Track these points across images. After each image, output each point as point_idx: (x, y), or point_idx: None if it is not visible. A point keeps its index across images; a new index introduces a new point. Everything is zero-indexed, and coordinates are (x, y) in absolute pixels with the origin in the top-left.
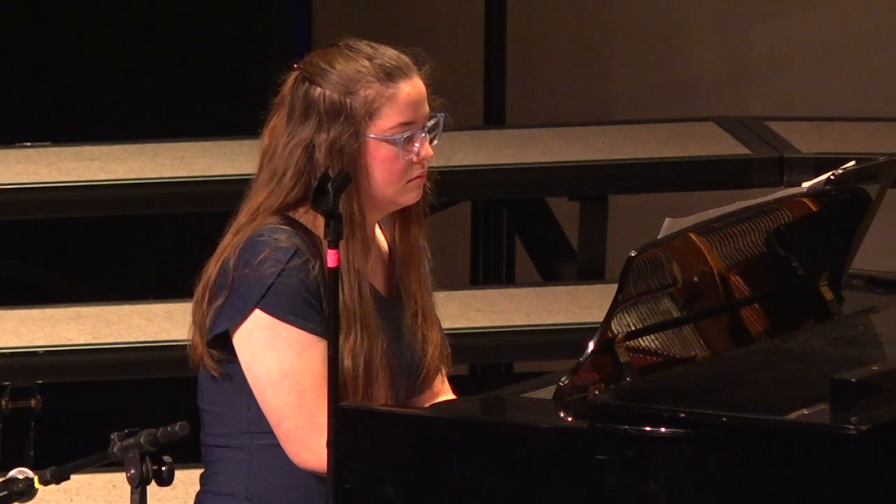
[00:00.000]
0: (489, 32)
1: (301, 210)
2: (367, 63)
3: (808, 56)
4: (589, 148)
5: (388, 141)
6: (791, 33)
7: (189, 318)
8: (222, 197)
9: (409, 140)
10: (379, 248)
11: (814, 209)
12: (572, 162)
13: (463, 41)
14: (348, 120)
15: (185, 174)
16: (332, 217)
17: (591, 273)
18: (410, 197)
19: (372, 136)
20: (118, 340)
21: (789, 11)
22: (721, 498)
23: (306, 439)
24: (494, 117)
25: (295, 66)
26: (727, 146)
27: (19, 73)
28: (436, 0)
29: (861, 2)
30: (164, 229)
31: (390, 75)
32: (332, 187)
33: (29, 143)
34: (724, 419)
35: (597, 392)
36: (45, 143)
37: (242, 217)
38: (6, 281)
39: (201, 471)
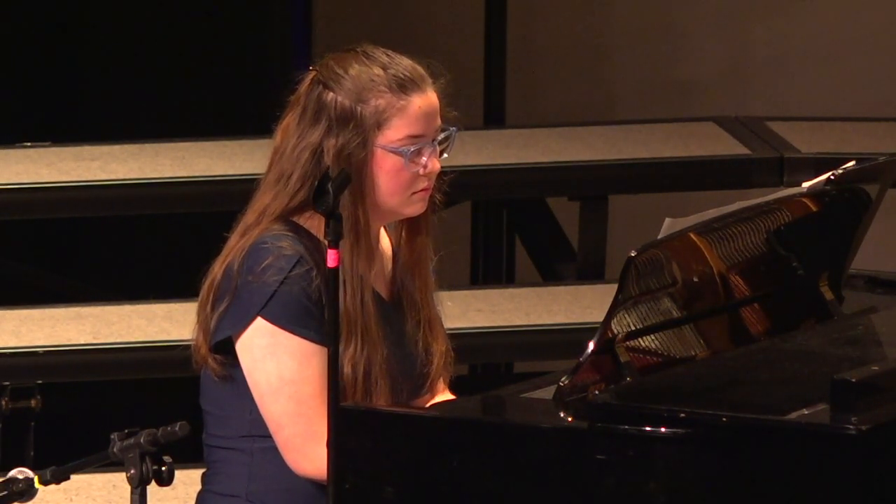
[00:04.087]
0: (489, 32)
1: (306, 215)
2: (381, 72)
3: (808, 56)
4: (589, 148)
5: (394, 152)
6: (791, 33)
7: (190, 317)
8: (222, 197)
9: (417, 153)
10: (382, 251)
11: (814, 209)
12: (572, 162)
13: (463, 41)
14: (357, 128)
15: (185, 174)
16: (332, 217)
17: (591, 273)
18: (414, 209)
19: (379, 145)
20: (118, 340)
21: (789, 11)
22: (721, 498)
23: (305, 447)
24: (494, 117)
25: (311, 67)
26: (727, 146)
27: (19, 73)
28: None
29: (861, 2)
30: (164, 229)
31: (403, 86)
32: (332, 187)
33: (29, 143)
34: (724, 419)
35: (597, 392)
36: (45, 143)
37: (250, 216)
38: (6, 281)
39: (202, 471)
